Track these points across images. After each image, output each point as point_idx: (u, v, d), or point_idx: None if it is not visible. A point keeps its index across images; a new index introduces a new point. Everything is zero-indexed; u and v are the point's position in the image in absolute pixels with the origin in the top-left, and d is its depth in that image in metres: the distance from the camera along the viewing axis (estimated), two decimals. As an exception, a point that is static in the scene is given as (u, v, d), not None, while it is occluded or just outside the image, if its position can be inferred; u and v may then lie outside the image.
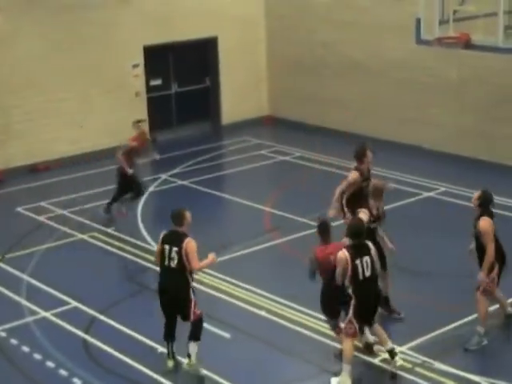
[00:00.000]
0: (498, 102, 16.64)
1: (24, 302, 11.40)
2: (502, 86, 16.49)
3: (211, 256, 9.74)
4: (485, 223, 9.91)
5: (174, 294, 9.52)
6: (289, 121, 20.62)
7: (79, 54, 18.06)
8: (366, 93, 19.03)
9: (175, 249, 9.45)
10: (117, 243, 13.61)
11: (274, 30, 20.79)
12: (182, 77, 20.27)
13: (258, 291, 11.66)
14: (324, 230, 9.81)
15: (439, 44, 12.69)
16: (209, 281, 12.04)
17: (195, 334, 9.60)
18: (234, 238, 13.66)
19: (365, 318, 9.47)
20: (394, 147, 18.11)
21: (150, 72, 19.38)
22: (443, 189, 15.69)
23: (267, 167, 17.91)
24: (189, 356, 9.61)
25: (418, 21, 12.89)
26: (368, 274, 9.35)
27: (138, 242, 13.58)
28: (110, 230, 14.12)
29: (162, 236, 9.71)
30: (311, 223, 14.11)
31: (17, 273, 12.54)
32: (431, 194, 15.53)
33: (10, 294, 11.81)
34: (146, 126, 15.85)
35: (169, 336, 9.77)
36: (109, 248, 13.48)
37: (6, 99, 17.23)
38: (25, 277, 12.37)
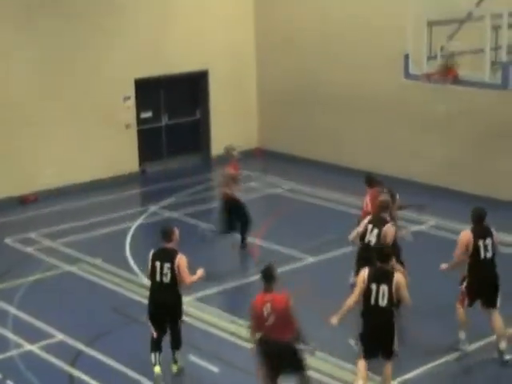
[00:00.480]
0: (485, 135, 16.75)
1: (10, 335, 11.31)
2: (490, 121, 16.62)
3: (200, 271, 10.23)
4: (461, 235, 10.63)
5: (169, 307, 10.08)
6: (278, 153, 20.69)
7: (70, 86, 18.13)
8: (355, 125, 19.14)
9: (167, 265, 9.95)
10: (104, 275, 13.56)
11: (264, 63, 20.94)
12: (173, 109, 20.37)
13: (247, 324, 11.59)
14: (267, 276, 9.01)
15: (427, 79, 12.81)
16: (198, 313, 11.98)
17: (179, 343, 10.32)
18: (223, 271, 13.63)
19: (372, 346, 9.22)
20: (383, 180, 18.13)
21: (140, 104, 19.46)
22: (432, 222, 15.72)
23: (257, 199, 17.91)
24: (176, 362, 10.32)
25: (407, 56, 13.02)
26: (382, 303, 9.03)
27: (126, 274, 13.53)
28: (97, 262, 14.06)
29: (151, 254, 10.17)
30: (301, 256, 14.17)
31: (3, 305, 12.45)
32: (422, 227, 15.54)
33: (-4, 327, 11.74)
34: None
35: (157, 348, 10.14)
36: (96, 280, 13.42)
37: (-3, 131, 17.29)
38: (11, 309, 12.27)
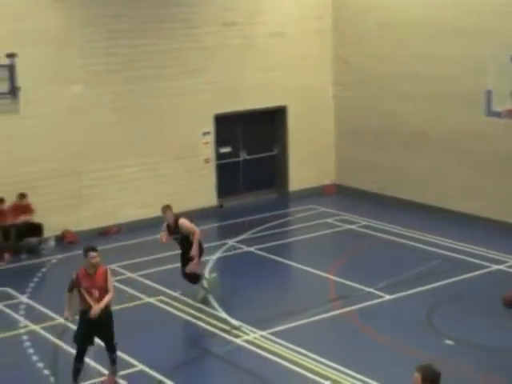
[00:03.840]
0: None
1: (92, 363, 11.53)
2: None
3: None
4: None
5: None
6: (356, 189, 20.69)
7: (152, 122, 18.56)
8: (431, 162, 19.01)
9: None
10: (182, 307, 13.72)
11: (341, 100, 21.04)
12: (251, 145, 20.62)
13: (323, 360, 11.55)
14: None
15: (510, 116, 12.66)
16: (274, 348, 12.01)
17: None
18: (298, 306, 13.62)
19: None
20: (458, 217, 18.00)
21: (219, 139, 19.77)
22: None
23: (333, 235, 17.92)
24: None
25: (489, 92, 12.90)
26: None
27: (203, 307, 13.66)
28: (176, 294, 14.25)
29: None
30: (377, 293, 14.08)
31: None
32: (501, 266, 15.28)
33: (78, 355, 11.96)
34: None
35: None
36: (175, 312, 13.59)
37: (80, 164, 17.76)
38: (93, 338, 12.53)
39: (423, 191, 19.17)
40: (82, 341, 10.61)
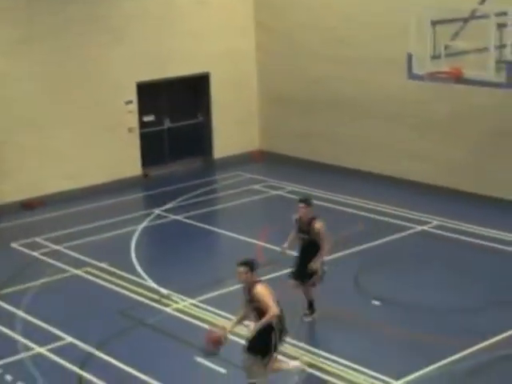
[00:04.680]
0: (489, 136, 16.79)
1: (19, 338, 11.34)
2: (493, 120, 16.66)
3: None
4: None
5: None
6: (280, 155, 20.74)
7: (73, 92, 18.18)
8: (357, 127, 19.18)
9: None
10: (111, 278, 13.58)
11: (265, 66, 20.99)
12: (175, 112, 20.42)
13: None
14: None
15: (431, 79, 12.83)
16: (204, 315, 12.02)
17: None
18: (227, 273, 13.61)
19: None
20: (386, 181, 18.26)
21: (142, 108, 19.50)
22: (436, 222, 15.75)
23: (259, 202, 17.96)
24: None
25: (410, 56, 13.04)
26: None
27: (132, 277, 13.56)
28: (103, 265, 14.08)
29: None
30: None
31: (11, 308, 12.47)
32: (424, 227, 15.58)
33: (5, 330, 11.73)
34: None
35: None
36: (103, 283, 13.44)
37: (1, 135, 17.29)
38: (20, 312, 12.30)
39: (349, 156, 19.35)
40: None
